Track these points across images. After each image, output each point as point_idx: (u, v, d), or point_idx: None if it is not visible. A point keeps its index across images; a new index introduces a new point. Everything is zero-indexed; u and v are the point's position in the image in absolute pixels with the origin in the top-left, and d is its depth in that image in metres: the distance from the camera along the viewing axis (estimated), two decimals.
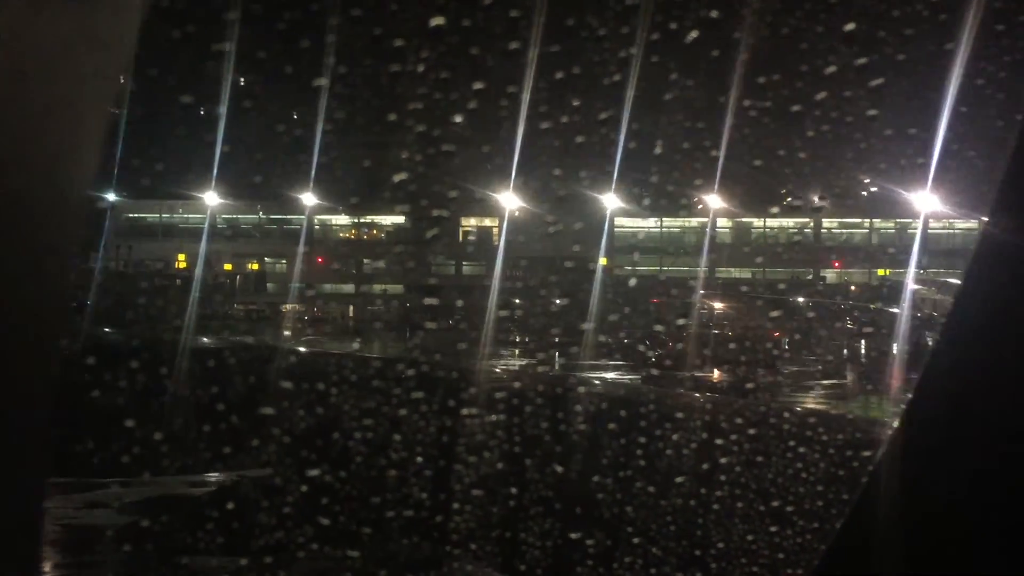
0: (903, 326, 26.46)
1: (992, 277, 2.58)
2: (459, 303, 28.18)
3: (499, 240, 33.44)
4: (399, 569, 12.12)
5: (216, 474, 15.35)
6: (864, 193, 31.33)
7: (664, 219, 37.73)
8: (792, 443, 12.71)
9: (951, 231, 41.11)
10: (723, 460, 12.64)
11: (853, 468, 11.60)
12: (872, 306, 28.40)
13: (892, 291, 29.88)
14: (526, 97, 21.31)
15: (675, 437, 13.37)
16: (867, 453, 12.05)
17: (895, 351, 25.27)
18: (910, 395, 2.72)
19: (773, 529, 11.52)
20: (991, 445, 2.54)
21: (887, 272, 36.00)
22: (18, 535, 2.62)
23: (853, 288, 32.15)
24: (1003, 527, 2.51)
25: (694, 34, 22.96)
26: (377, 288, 35.55)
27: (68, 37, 2.63)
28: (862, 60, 21.18)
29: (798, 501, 11.78)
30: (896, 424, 2.80)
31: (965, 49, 19.02)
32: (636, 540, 12.19)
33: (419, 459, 13.77)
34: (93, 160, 2.74)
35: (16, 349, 2.58)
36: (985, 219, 2.67)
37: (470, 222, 39.23)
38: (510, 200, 31.58)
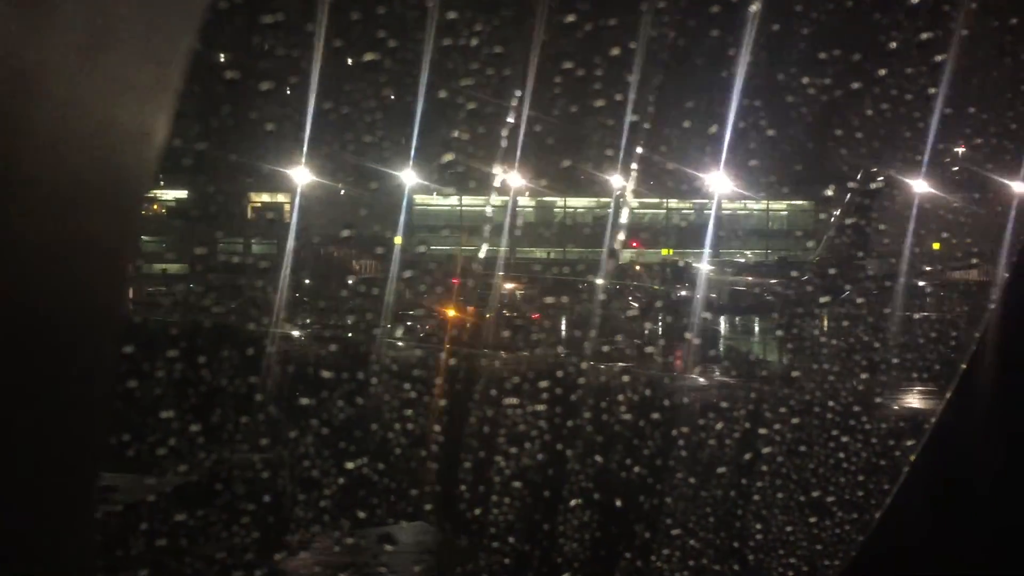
0: (688, 307, 27.15)
1: None
2: (246, 282, 27.15)
3: (291, 217, 32.31)
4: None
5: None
6: (660, 174, 31.95)
7: (465, 197, 37.31)
8: None
9: (747, 212, 42.69)
10: None
11: (894, 459, 11.89)
12: (656, 287, 28.96)
13: (677, 271, 30.60)
14: (316, 68, 20.57)
15: None
16: None
17: (682, 332, 25.89)
18: (951, 388, 2.74)
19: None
20: None
21: (671, 251, 36.92)
22: (74, 530, 2.57)
23: (638, 268, 32.69)
24: None
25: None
26: (157, 268, 33.50)
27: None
28: (665, 45, 21.36)
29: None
30: (936, 417, 2.80)
31: (751, 29, 19.34)
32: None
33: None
34: (159, 140, 2.66)
35: (76, 343, 2.48)
36: None
37: (261, 197, 37.79)
38: (303, 175, 30.33)
